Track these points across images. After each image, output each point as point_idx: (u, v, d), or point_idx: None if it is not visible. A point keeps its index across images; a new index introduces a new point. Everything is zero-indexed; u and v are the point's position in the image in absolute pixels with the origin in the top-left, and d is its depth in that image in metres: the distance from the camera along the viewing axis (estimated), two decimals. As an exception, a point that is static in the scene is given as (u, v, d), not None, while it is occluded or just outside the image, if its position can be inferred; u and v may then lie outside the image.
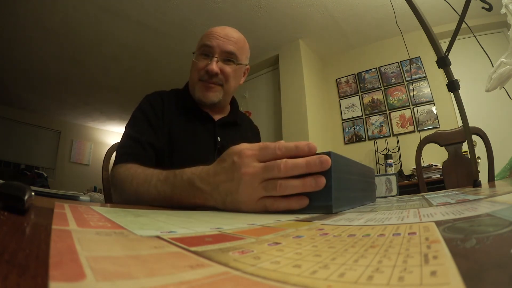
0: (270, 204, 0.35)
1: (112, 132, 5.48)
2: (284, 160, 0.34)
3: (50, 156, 4.71)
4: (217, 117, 0.80)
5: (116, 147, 0.70)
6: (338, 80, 3.14)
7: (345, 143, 2.97)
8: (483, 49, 0.91)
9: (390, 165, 2.51)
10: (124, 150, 0.66)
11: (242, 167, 0.35)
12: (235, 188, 0.35)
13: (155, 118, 0.72)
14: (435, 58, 0.76)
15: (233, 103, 0.87)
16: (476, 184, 0.68)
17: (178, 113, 0.75)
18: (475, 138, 0.92)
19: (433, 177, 2.14)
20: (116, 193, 0.60)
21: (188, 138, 0.73)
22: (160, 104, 0.75)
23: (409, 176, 2.38)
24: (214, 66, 0.70)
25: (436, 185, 1.89)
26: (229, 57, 0.73)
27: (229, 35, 0.73)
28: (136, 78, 3.52)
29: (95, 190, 4.06)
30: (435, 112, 2.60)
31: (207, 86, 0.73)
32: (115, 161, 0.66)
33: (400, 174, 2.43)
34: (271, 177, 0.34)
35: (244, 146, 0.36)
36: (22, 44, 2.75)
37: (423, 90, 2.69)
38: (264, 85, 3.19)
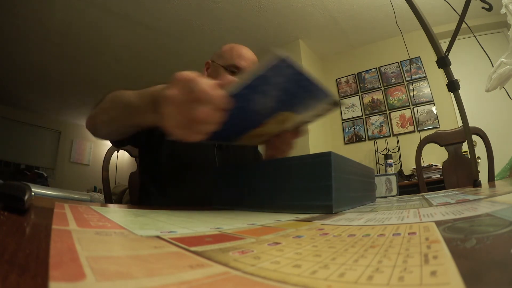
0: (187, 136, 0.35)
1: (112, 132, 5.47)
2: (204, 109, 0.33)
3: (50, 156, 4.71)
4: None
5: None
6: (338, 80, 3.14)
7: (345, 143, 2.97)
8: (483, 49, 0.91)
9: (390, 165, 2.51)
10: None
11: (170, 88, 0.34)
12: (161, 105, 0.36)
13: None
14: (435, 58, 0.76)
15: None
16: (476, 184, 0.68)
17: None
18: (475, 138, 0.92)
19: (433, 177, 2.13)
20: (95, 108, 0.60)
21: None
22: None
23: (409, 176, 2.38)
24: None
25: (436, 185, 1.89)
26: None
27: (253, 60, 0.83)
28: (136, 78, 3.52)
29: (95, 190, 4.06)
30: (435, 112, 2.60)
31: None
32: None
33: (400, 174, 2.43)
34: (188, 116, 0.34)
35: (183, 72, 0.35)
36: (22, 44, 2.75)
37: (423, 90, 2.69)
38: (264, 85, 3.19)
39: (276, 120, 0.47)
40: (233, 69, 0.80)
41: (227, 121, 0.36)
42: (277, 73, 0.34)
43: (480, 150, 1.19)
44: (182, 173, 0.74)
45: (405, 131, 2.69)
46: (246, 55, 0.82)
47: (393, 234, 0.16)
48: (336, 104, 0.47)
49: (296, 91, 0.39)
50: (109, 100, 0.55)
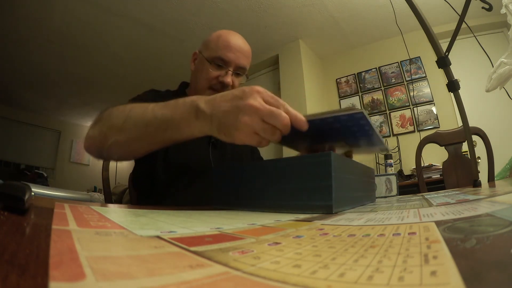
0: (259, 142, 0.38)
1: (112, 132, 5.47)
2: (287, 116, 0.36)
3: (50, 156, 4.71)
4: None
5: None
6: (338, 80, 3.14)
7: (345, 143, 2.97)
8: (483, 49, 0.91)
9: (390, 165, 2.50)
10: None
11: (250, 98, 0.36)
12: (235, 114, 0.37)
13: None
14: (435, 58, 0.76)
15: None
16: (476, 184, 0.68)
17: None
18: (475, 138, 0.92)
19: (433, 177, 2.13)
20: (96, 126, 0.52)
21: None
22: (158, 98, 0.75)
23: (409, 176, 2.37)
24: (230, 79, 0.73)
25: (436, 185, 1.89)
26: (240, 72, 0.76)
27: (243, 49, 0.76)
28: (136, 78, 3.52)
29: (95, 190, 4.06)
30: (435, 112, 2.59)
31: None
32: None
33: (400, 174, 2.43)
34: (270, 122, 0.36)
35: (258, 86, 0.39)
36: (22, 44, 2.75)
37: (423, 90, 2.69)
38: (264, 85, 3.15)
39: (331, 145, 0.53)
40: (219, 63, 0.72)
41: (290, 134, 0.39)
42: (351, 120, 0.38)
43: (480, 150, 1.19)
44: (177, 174, 0.71)
45: (405, 131, 2.69)
46: (235, 46, 0.73)
47: (393, 234, 0.16)
48: (386, 151, 0.52)
49: (359, 134, 0.44)
50: (122, 117, 0.48)
